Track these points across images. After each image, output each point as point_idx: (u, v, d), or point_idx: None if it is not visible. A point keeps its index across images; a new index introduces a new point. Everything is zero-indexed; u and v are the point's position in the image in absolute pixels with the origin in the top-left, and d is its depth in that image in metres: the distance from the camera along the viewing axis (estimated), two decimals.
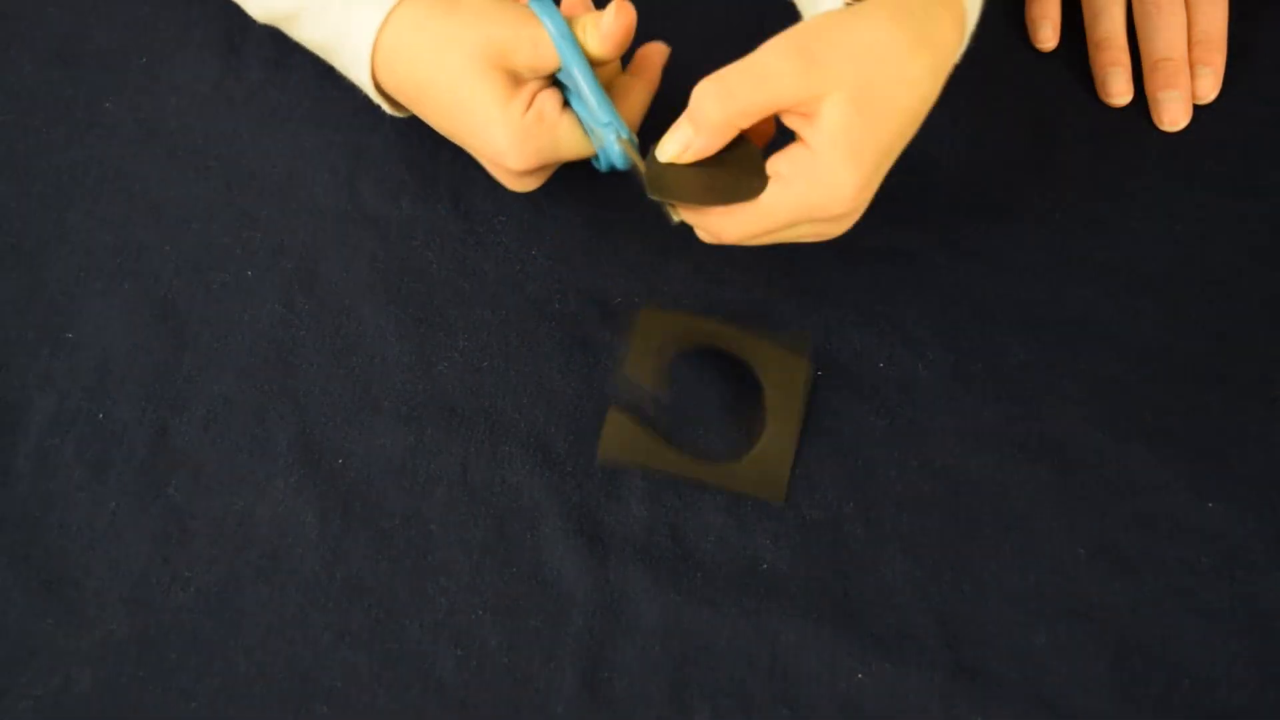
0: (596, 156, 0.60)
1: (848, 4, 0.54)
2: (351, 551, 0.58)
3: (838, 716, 0.54)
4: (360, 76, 0.60)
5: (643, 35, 0.71)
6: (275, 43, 0.69)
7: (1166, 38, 0.68)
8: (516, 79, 0.57)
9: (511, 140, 0.57)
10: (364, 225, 0.65)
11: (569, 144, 0.59)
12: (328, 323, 0.63)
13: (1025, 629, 0.56)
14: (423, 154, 0.67)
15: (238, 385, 0.61)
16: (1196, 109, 0.68)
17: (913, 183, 0.66)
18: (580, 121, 0.59)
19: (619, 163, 0.59)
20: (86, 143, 0.67)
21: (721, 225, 0.55)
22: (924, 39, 0.52)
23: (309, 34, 0.63)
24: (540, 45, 0.57)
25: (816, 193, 0.52)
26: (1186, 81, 0.68)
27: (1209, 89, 0.69)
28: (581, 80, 0.57)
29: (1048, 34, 0.71)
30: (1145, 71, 0.69)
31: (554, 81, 0.59)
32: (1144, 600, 0.57)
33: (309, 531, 0.58)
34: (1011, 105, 0.69)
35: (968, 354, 0.62)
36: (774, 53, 0.51)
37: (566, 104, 0.59)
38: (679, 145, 0.54)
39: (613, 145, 0.58)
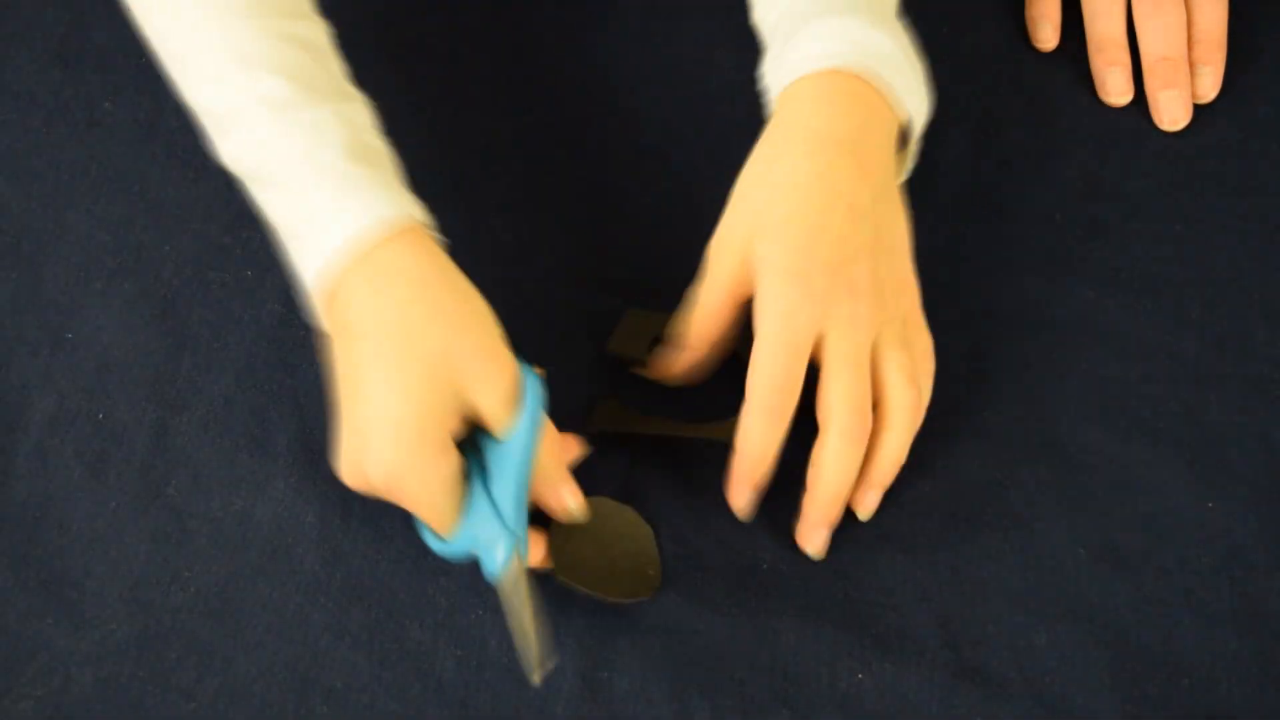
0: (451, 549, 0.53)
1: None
2: (351, 551, 0.58)
3: (838, 716, 0.54)
4: (308, 277, 0.54)
5: (644, 35, 0.71)
6: None
7: (1166, 37, 0.68)
8: (453, 407, 0.51)
9: (397, 432, 0.50)
10: None
11: (439, 497, 0.52)
12: None
13: (1025, 629, 0.56)
14: (422, 153, 0.66)
15: (237, 385, 0.61)
16: (1196, 109, 0.68)
17: (913, 183, 0.66)
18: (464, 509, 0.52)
19: (494, 573, 0.52)
20: (86, 143, 0.67)
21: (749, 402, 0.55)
22: (809, 143, 0.55)
23: (265, 203, 0.56)
24: (502, 398, 0.51)
25: (769, 322, 0.54)
26: (1186, 80, 0.68)
27: (1209, 88, 0.69)
28: (512, 470, 0.51)
29: (1048, 34, 0.70)
30: (1145, 71, 0.69)
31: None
32: (1144, 600, 0.57)
33: (308, 531, 0.58)
34: (1011, 105, 0.69)
35: (968, 354, 0.62)
36: (714, 244, 0.57)
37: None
38: (681, 362, 0.58)
39: (501, 558, 0.51)
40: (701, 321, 0.57)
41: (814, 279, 0.53)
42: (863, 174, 0.55)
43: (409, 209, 0.54)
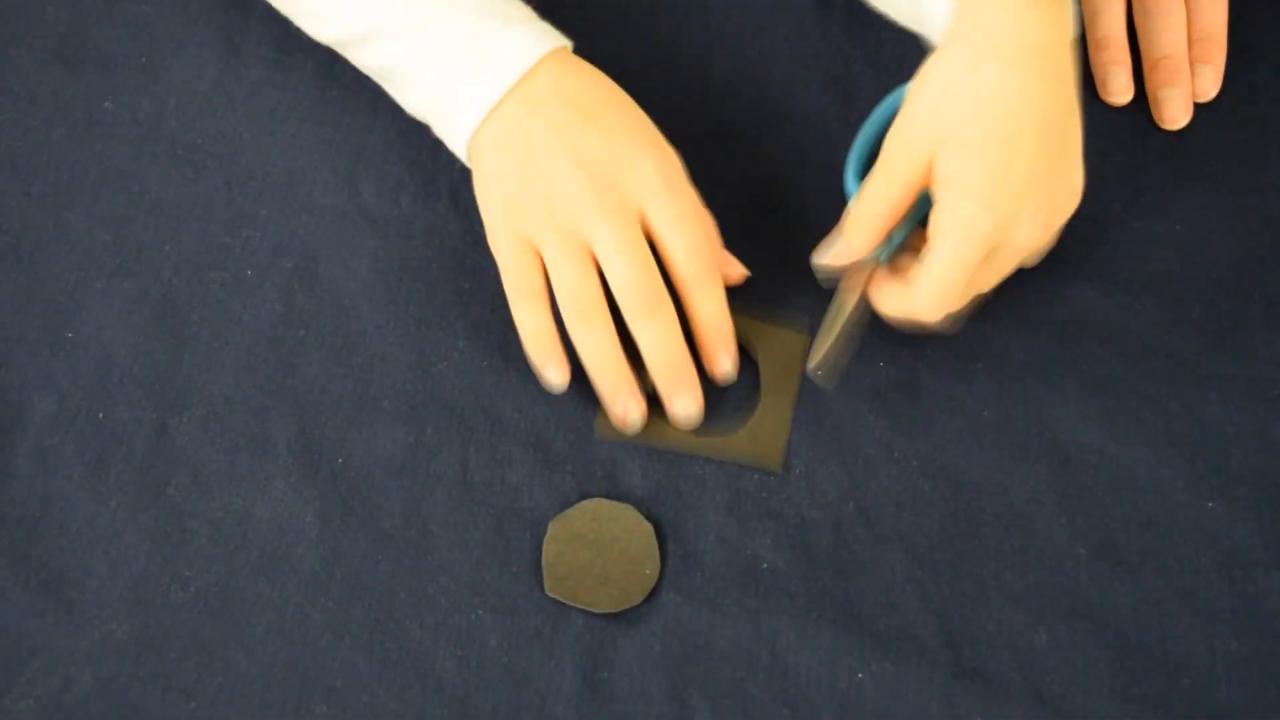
0: None
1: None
2: (351, 551, 0.58)
3: (838, 716, 0.54)
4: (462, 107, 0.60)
5: (640, 34, 0.71)
6: (275, 42, 0.69)
7: (1166, 35, 0.68)
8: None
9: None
10: (364, 224, 0.65)
11: None
12: (327, 322, 0.63)
13: (1025, 629, 0.56)
14: (422, 153, 0.67)
15: (237, 384, 0.61)
16: (1197, 108, 0.68)
17: None
18: None
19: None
20: (86, 143, 0.67)
21: (910, 304, 0.56)
22: (1012, 53, 0.53)
23: (384, 56, 0.62)
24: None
25: (951, 239, 0.53)
26: (1187, 79, 0.68)
27: (1209, 87, 0.68)
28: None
29: None
30: (1145, 70, 0.69)
31: None
32: (1144, 600, 0.57)
33: (308, 531, 0.58)
34: None
35: (968, 354, 0.62)
36: (891, 141, 0.55)
37: None
38: (836, 255, 0.58)
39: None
40: (866, 218, 0.56)
41: (1003, 205, 0.53)
42: (1057, 82, 0.53)
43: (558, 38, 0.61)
